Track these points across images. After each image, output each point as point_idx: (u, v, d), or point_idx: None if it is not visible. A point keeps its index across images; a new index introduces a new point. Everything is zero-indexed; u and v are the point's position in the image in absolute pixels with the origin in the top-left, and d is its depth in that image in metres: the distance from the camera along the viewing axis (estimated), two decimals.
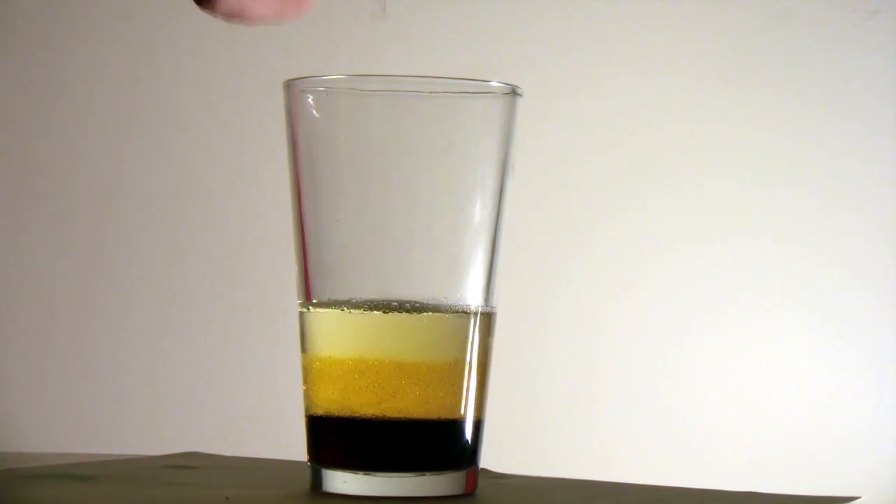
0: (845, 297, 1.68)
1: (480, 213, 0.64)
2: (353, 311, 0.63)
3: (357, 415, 0.63)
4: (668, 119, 1.69)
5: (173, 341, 1.60)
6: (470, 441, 0.64)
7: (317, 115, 0.64)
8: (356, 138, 0.64)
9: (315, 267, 0.64)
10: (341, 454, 0.64)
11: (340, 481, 0.64)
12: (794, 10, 1.68)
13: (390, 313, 0.63)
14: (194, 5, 0.68)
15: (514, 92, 0.65)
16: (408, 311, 0.63)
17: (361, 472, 0.63)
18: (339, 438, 0.64)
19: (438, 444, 0.64)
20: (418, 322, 0.63)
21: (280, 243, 1.50)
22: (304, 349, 0.65)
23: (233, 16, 0.66)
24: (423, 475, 0.63)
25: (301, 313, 0.65)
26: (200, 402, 1.61)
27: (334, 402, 0.63)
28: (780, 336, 1.69)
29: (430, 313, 0.63)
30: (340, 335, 0.64)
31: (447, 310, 0.63)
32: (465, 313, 0.64)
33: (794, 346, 1.69)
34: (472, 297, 0.64)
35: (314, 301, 0.64)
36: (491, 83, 0.64)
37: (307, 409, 0.65)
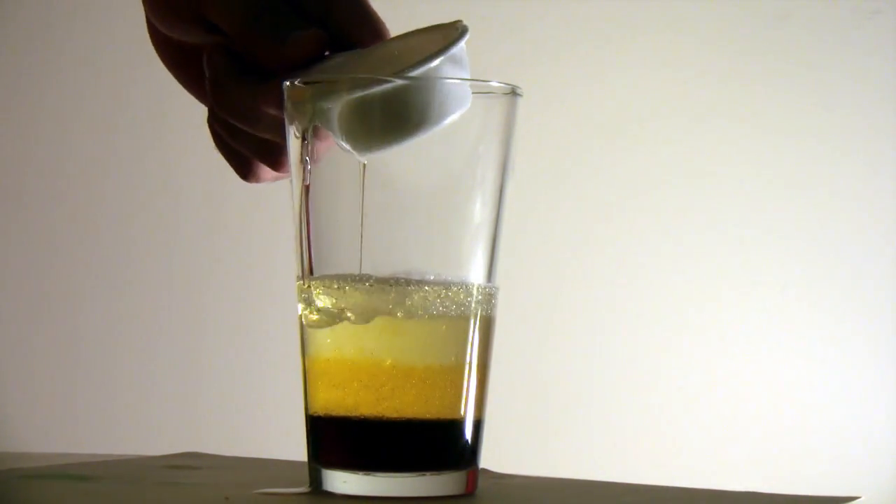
0: (845, 298, 1.68)
1: (480, 212, 0.64)
2: (348, 286, 0.63)
3: (357, 415, 0.63)
4: (668, 119, 1.69)
5: (173, 342, 1.60)
6: (470, 441, 0.64)
7: (317, 115, 0.64)
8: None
9: (315, 267, 0.64)
10: (341, 454, 0.64)
11: (340, 481, 0.64)
12: (794, 10, 1.68)
13: (391, 316, 0.63)
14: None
15: (513, 92, 0.65)
16: (406, 285, 0.63)
17: (361, 472, 0.63)
18: (339, 438, 0.64)
19: (438, 444, 0.64)
20: (418, 321, 0.63)
21: (280, 243, 1.50)
22: (303, 349, 0.65)
23: (278, 178, 0.72)
24: (424, 475, 0.63)
25: (302, 317, 0.65)
26: (200, 402, 1.61)
27: (334, 402, 0.63)
28: (781, 337, 1.69)
29: (430, 315, 0.63)
30: (340, 334, 0.64)
31: (446, 310, 0.63)
32: (464, 313, 0.64)
33: (795, 347, 1.69)
34: (473, 300, 0.64)
35: (315, 276, 0.64)
36: (491, 83, 0.64)
37: (307, 408, 0.65)
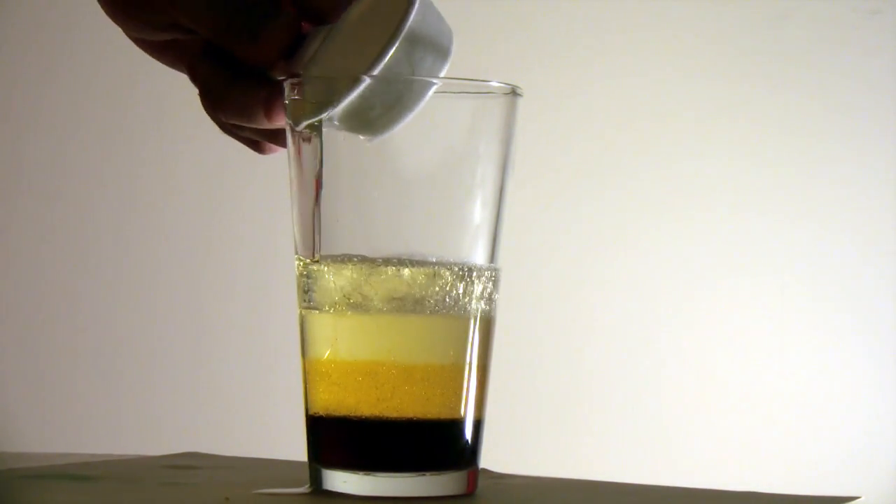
0: (845, 298, 1.68)
1: (480, 212, 0.64)
2: (353, 266, 0.63)
3: (357, 415, 0.63)
4: (668, 119, 1.69)
5: (173, 341, 1.60)
6: (470, 441, 0.64)
7: (317, 116, 0.64)
8: (356, 138, 0.64)
9: (314, 269, 0.64)
10: (341, 454, 0.64)
11: (340, 481, 0.64)
12: (794, 10, 1.68)
13: (390, 314, 0.63)
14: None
15: (514, 92, 0.65)
16: (404, 265, 0.63)
17: (361, 472, 0.63)
18: (339, 438, 0.64)
19: (438, 444, 0.64)
20: (418, 321, 0.63)
21: (280, 243, 1.50)
22: (303, 349, 0.65)
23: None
24: (424, 475, 0.63)
25: (302, 316, 0.65)
26: (200, 402, 1.61)
27: (334, 401, 0.63)
28: (780, 337, 1.69)
29: (430, 315, 0.63)
30: (340, 334, 0.64)
31: (446, 309, 0.63)
32: (464, 311, 0.64)
33: (795, 347, 1.69)
34: (473, 300, 0.64)
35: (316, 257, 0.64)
36: (491, 83, 0.64)
37: (307, 408, 0.65)
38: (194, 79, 0.68)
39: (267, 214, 1.60)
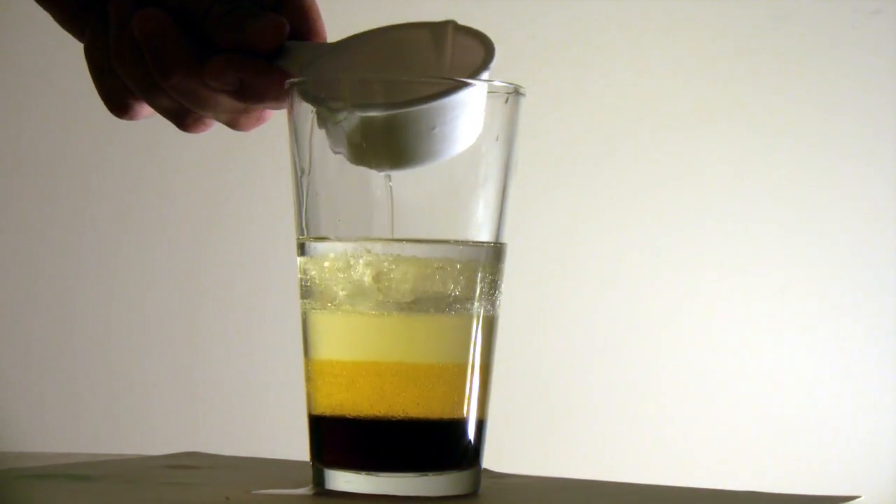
0: (845, 298, 1.68)
1: (483, 212, 0.64)
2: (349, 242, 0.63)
3: (359, 414, 0.63)
4: (668, 119, 1.69)
5: (173, 341, 1.60)
6: (472, 441, 0.64)
7: (317, 115, 0.64)
8: (357, 138, 0.64)
9: (316, 264, 0.64)
10: (344, 454, 0.64)
11: (343, 481, 0.63)
12: (794, 10, 1.68)
13: (393, 313, 0.63)
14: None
15: (516, 92, 0.65)
16: (407, 264, 0.63)
17: (364, 472, 0.63)
18: (341, 438, 0.64)
19: (441, 444, 0.64)
20: (421, 320, 0.63)
21: (281, 243, 1.50)
22: (305, 348, 0.65)
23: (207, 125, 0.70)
24: (426, 475, 0.63)
25: (304, 315, 0.65)
26: (200, 402, 1.61)
27: (336, 401, 0.63)
28: (780, 337, 1.69)
29: (433, 315, 0.63)
30: (342, 333, 0.64)
31: (449, 309, 0.63)
32: (467, 310, 0.64)
33: (795, 347, 1.69)
34: (475, 299, 0.64)
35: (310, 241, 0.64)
36: (494, 83, 0.64)
37: (310, 408, 0.65)
38: (147, 38, 0.66)
39: (269, 213, 1.60)
